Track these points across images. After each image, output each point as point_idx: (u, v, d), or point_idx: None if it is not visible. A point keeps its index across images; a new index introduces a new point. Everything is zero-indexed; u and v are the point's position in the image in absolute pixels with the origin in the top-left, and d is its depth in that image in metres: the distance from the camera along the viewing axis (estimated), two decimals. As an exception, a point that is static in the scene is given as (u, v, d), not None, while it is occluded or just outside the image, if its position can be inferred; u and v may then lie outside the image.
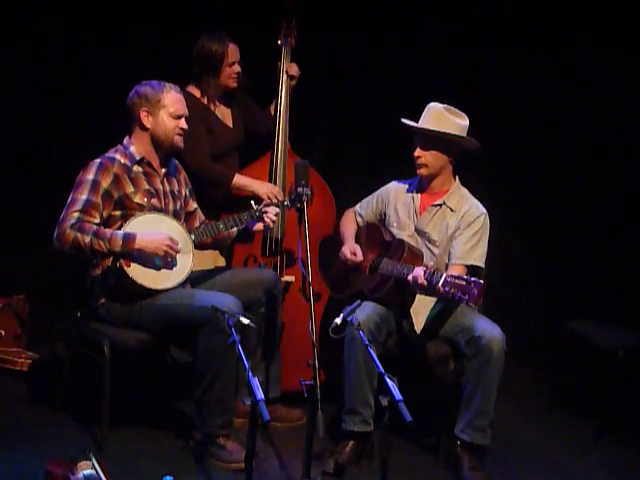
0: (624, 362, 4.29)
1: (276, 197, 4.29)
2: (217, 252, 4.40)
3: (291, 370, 4.18)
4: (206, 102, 4.40)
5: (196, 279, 4.00)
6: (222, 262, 4.45)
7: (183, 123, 3.89)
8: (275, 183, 4.45)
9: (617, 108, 5.06)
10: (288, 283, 4.43)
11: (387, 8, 5.07)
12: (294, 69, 4.54)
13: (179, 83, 3.99)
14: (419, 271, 3.73)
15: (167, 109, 3.85)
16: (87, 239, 3.68)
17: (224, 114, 4.50)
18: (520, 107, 5.19)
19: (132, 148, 3.89)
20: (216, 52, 4.33)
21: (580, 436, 4.40)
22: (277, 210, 4.01)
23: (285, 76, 4.52)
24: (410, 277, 3.76)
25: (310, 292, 3.72)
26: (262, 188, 4.36)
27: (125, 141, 3.92)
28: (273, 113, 4.55)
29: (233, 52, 4.37)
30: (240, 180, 4.38)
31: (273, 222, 4.00)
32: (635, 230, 5.05)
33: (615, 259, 5.13)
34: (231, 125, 4.51)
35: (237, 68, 4.40)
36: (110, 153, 3.88)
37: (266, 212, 3.98)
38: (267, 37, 4.55)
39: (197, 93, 4.38)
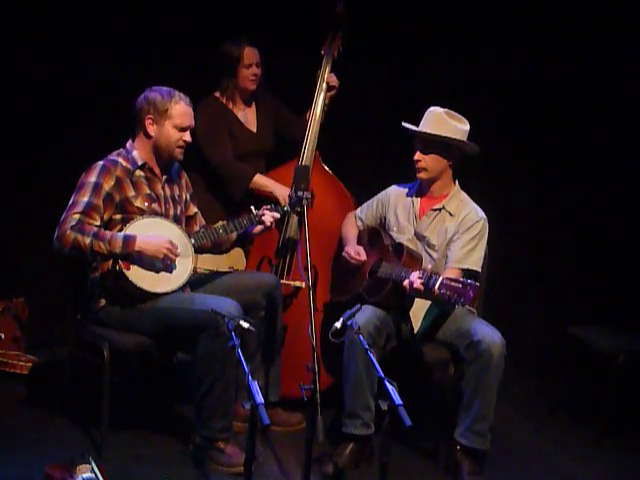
0: (624, 367, 4.29)
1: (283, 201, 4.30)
2: (241, 251, 4.45)
3: (294, 376, 4.16)
4: (228, 104, 4.49)
5: (195, 282, 4.00)
6: (243, 265, 4.49)
7: (187, 136, 3.88)
8: None
9: (620, 111, 5.06)
10: (297, 288, 4.43)
11: (390, 9, 5.07)
12: (334, 80, 4.58)
13: (200, 89, 4.02)
14: (414, 276, 3.73)
15: (173, 120, 3.84)
16: (87, 240, 3.68)
17: (248, 119, 4.56)
18: (521, 111, 5.19)
19: (135, 153, 3.88)
20: (232, 54, 4.43)
21: (580, 441, 4.39)
22: (277, 215, 4.02)
23: (324, 85, 4.56)
24: (406, 282, 3.76)
25: (310, 296, 3.72)
26: (279, 190, 4.39)
27: (128, 145, 3.91)
28: (308, 119, 4.59)
29: (250, 54, 4.45)
30: (260, 179, 4.44)
31: (271, 223, 4.01)
32: (636, 234, 5.04)
33: (615, 264, 5.13)
34: (254, 130, 4.57)
35: (255, 70, 4.46)
36: (113, 156, 3.88)
37: (264, 215, 3.98)
38: (311, 44, 4.61)
39: (220, 97, 4.48)
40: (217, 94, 4.51)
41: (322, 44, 4.58)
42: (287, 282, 4.39)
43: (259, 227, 4.03)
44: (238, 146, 4.48)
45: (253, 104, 4.60)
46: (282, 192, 4.38)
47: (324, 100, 4.57)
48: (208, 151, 4.39)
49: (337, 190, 4.54)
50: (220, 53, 4.46)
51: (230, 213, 4.35)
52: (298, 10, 4.96)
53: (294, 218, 4.41)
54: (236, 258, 4.49)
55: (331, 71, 4.58)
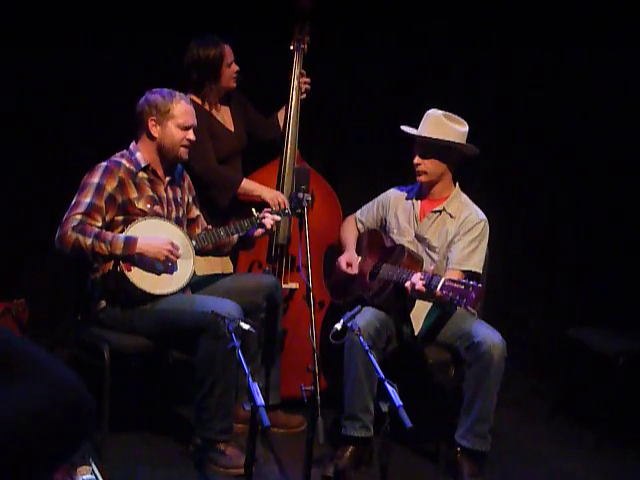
0: (624, 369, 4.28)
1: (280, 205, 4.28)
2: (227, 258, 4.40)
3: (294, 377, 4.17)
4: (208, 108, 4.37)
5: (196, 284, 4.00)
6: (231, 268, 4.45)
7: (191, 134, 3.88)
8: (282, 189, 4.43)
9: (620, 114, 5.06)
10: (292, 290, 4.42)
11: (389, 12, 5.07)
12: (305, 80, 4.50)
13: (178, 89, 3.96)
14: (416, 277, 3.72)
15: (176, 120, 3.84)
16: (88, 241, 3.68)
17: (225, 118, 4.47)
18: (520, 113, 5.19)
19: (138, 154, 3.88)
20: (214, 56, 4.28)
21: (581, 443, 4.38)
22: (278, 218, 4.02)
23: (297, 82, 4.49)
24: (408, 284, 3.75)
25: (310, 297, 3.72)
26: (269, 194, 4.34)
27: (131, 146, 3.92)
28: (283, 119, 4.53)
29: (229, 52, 4.33)
30: (248, 185, 4.37)
31: (272, 226, 4.00)
32: (636, 236, 5.05)
33: (616, 265, 5.13)
34: (233, 129, 4.48)
35: (235, 67, 4.35)
36: (116, 157, 3.88)
37: (265, 217, 3.98)
38: (280, 40, 4.51)
39: (198, 100, 4.34)
40: (193, 96, 4.29)
41: (290, 39, 4.48)
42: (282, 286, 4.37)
43: (260, 230, 4.02)
44: (220, 148, 4.37)
45: (227, 103, 4.48)
46: (271, 196, 4.32)
47: (298, 98, 4.49)
48: (193, 160, 4.14)
49: (323, 189, 4.49)
50: (199, 59, 4.27)
51: (214, 219, 4.26)
52: (262, 4, 4.82)
53: (284, 222, 4.39)
54: (225, 264, 4.43)
55: (303, 67, 4.49)
